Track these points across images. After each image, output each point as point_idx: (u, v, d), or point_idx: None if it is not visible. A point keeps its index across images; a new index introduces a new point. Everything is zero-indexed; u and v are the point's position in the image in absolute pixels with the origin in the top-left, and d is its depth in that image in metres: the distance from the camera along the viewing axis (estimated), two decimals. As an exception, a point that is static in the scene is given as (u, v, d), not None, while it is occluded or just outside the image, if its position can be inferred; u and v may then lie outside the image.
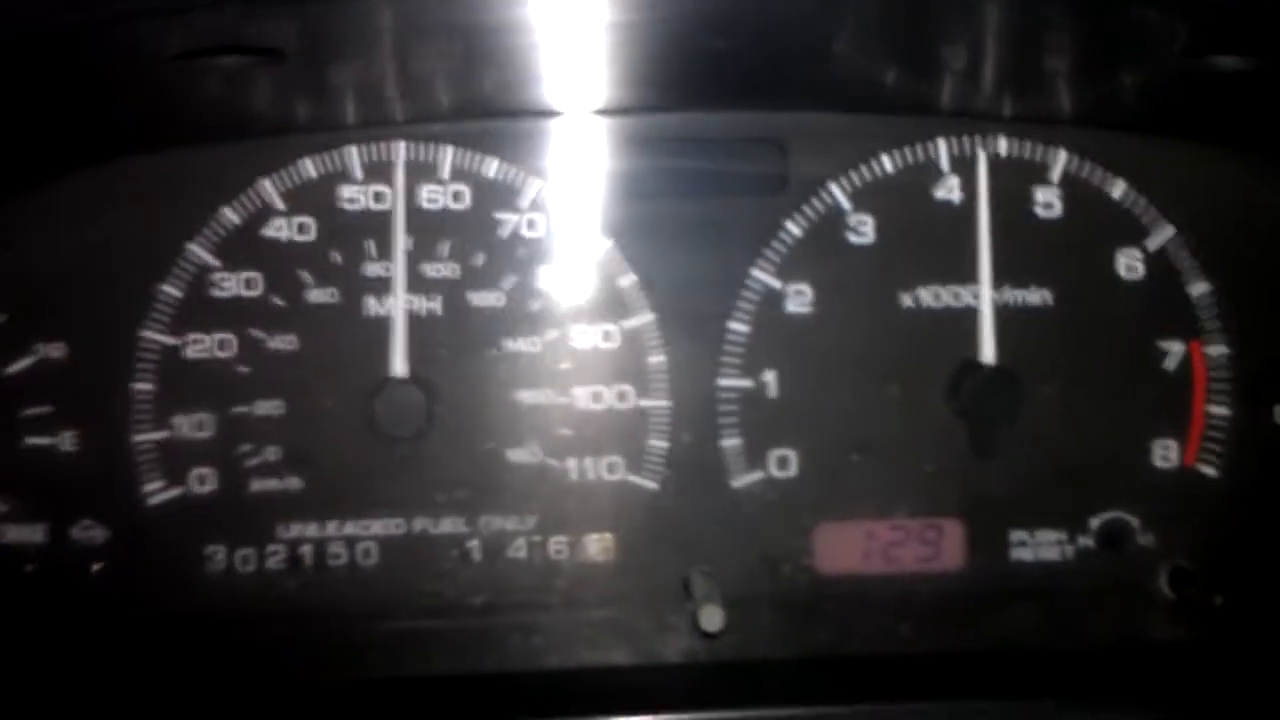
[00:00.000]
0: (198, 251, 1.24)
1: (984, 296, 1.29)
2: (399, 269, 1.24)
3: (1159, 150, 1.33)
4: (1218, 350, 1.32)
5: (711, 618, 1.13)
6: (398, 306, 1.24)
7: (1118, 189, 1.32)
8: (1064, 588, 1.31)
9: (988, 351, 1.29)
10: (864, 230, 1.30)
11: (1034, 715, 1.16)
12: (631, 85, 1.25)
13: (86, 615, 1.22)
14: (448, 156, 1.27)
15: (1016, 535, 1.32)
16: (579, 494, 1.28)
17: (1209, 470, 1.32)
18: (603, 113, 1.29)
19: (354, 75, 1.16)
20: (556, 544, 1.28)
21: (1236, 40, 1.03)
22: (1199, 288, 1.32)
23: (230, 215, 1.24)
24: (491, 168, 1.27)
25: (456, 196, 1.27)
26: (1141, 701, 1.16)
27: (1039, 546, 1.32)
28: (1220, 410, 1.32)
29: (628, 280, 1.29)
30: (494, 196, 1.27)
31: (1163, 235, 1.32)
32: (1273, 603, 1.25)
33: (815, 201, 1.29)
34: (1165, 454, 1.32)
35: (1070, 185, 1.31)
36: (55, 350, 1.21)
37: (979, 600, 1.30)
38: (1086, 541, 1.32)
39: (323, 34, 1.06)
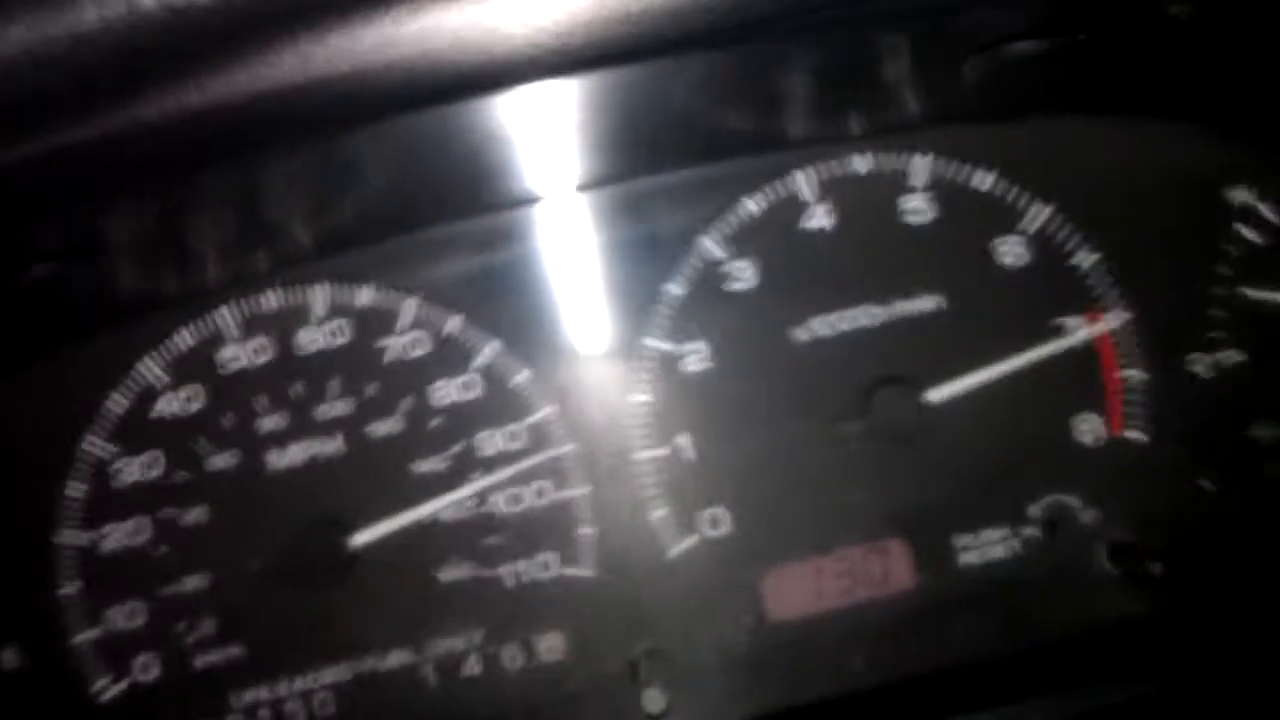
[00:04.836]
0: (94, 444, 1.24)
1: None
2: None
3: (1020, 134, 1.33)
4: (1119, 317, 1.32)
5: (653, 700, 1.13)
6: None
7: (986, 180, 1.32)
8: (1017, 583, 1.29)
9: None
10: (744, 276, 1.30)
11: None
12: (486, 184, 1.26)
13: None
14: (320, 295, 1.27)
15: (960, 540, 1.31)
16: (519, 598, 1.27)
17: (1138, 435, 1.32)
18: (460, 216, 1.29)
19: (201, 243, 1.17)
20: (508, 653, 1.28)
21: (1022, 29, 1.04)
22: (1087, 259, 1.32)
23: (118, 402, 1.25)
24: (365, 296, 1.28)
25: (335, 333, 1.27)
26: (1106, 685, 1.16)
27: (985, 547, 1.31)
28: (1135, 373, 1.32)
29: (521, 377, 1.29)
30: (373, 324, 1.28)
31: (1040, 216, 1.31)
32: (1219, 562, 1.25)
33: (689, 258, 1.30)
34: (1089, 428, 1.32)
35: (937, 187, 1.31)
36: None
37: (935, 615, 1.28)
38: (1031, 531, 1.31)
39: (162, 217, 1.07)
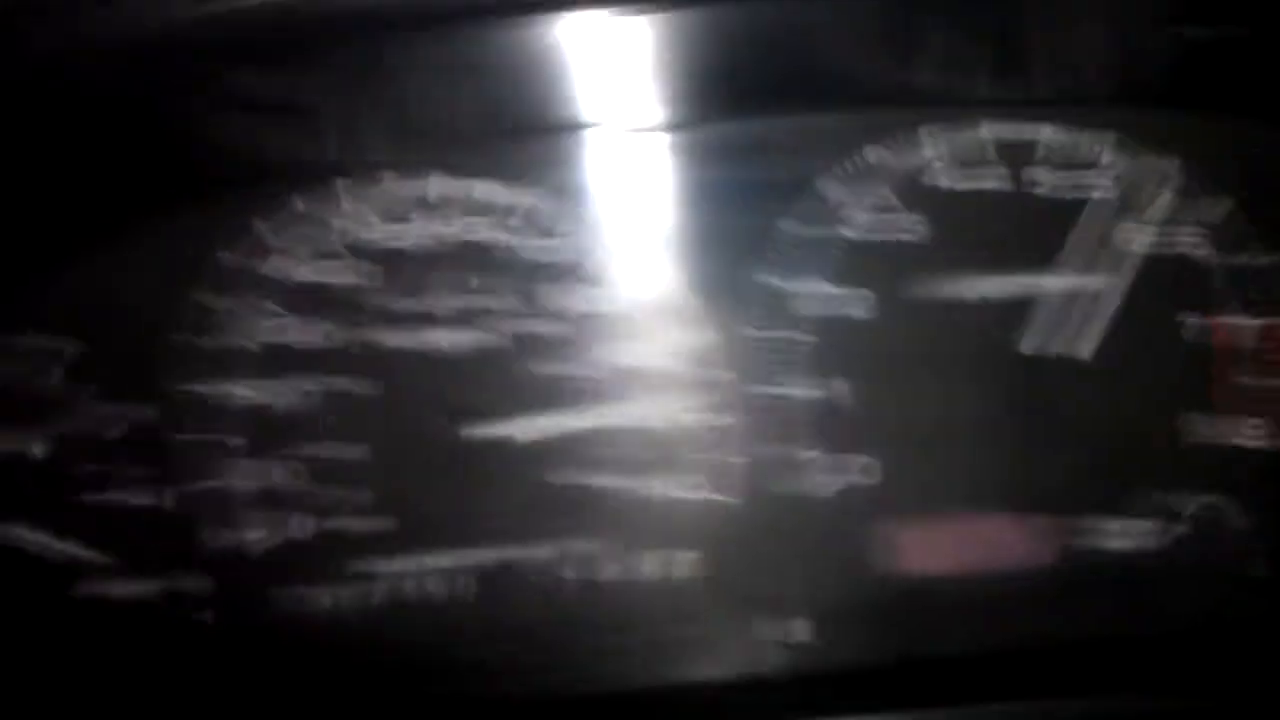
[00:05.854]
0: (266, 303, 1.29)
1: (1044, 285, 1.30)
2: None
3: (1208, 124, 1.32)
4: (1284, 320, 1.30)
5: (800, 630, 1.13)
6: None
7: (1170, 166, 1.31)
8: (1156, 575, 1.28)
9: (1054, 341, 1.29)
10: (916, 229, 1.31)
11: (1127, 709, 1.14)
12: (661, 103, 1.29)
13: (198, 665, 1.26)
14: (474, 189, 1.30)
15: (1108, 525, 1.30)
16: (662, 513, 1.29)
17: (1300, 443, 1.30)
18: (630, 129, 1.31)
19: (320, 119, 1.22)
20: (643, 564, 1.29)
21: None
22: (1266, 260, 1.31)
23: (288, 265, 1.28)
24: (526, 196, 1.30)
25: (460, 227, 1.30)
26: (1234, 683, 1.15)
27: (1131, 536, 1.30)
28: (1304, 382, 1.30)
29: (684, 297, 1.31)
30: (533, 223, 1.30)
31: (1220, 209, 1.31)
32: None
33: (865, 204, 1.31)
34: (1255, 432, 1.30)
35: (1121, 165, 1.31)
36: (145, 412, 1.27)
37: (1070, 592, 1.28)
38: (1180, 528, 1.30)
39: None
